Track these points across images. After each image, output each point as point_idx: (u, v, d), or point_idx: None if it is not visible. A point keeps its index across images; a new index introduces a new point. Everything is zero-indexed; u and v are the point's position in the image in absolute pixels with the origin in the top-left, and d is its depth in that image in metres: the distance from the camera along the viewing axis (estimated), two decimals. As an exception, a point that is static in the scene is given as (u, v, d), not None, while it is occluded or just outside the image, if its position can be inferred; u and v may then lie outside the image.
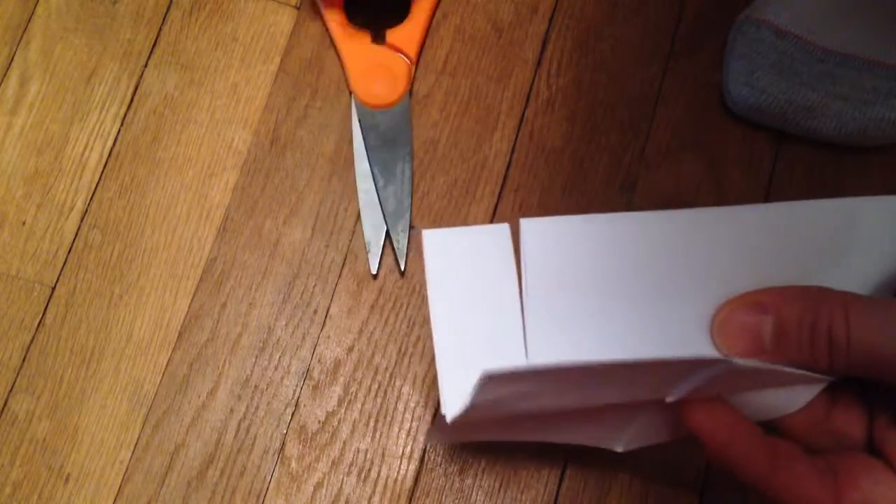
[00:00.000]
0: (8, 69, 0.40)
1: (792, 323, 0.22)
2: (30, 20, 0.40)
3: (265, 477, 0.35)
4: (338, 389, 0.36)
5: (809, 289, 0.22)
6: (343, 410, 0.36)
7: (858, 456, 0.23)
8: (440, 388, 0.24)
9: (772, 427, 0.25)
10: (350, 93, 0.39)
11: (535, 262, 0.24)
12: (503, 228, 0.25)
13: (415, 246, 0.38)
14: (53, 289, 0.38)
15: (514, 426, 0.28)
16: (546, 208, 0.38)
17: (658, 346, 0.24)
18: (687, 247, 0.24)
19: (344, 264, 0.38)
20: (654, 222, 0.24)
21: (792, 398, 0.24)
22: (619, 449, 0.30)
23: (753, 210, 0.24)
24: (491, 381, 0.20)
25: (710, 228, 0.24)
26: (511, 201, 0.38)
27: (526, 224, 0.24)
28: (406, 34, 0.39)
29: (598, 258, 0.24)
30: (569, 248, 0.24)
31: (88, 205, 0.38)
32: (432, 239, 0.25)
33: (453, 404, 0.24)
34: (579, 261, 0.24)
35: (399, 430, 0.36)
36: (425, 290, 0.25)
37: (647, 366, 0.21)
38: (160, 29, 0.40)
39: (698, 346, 0.24)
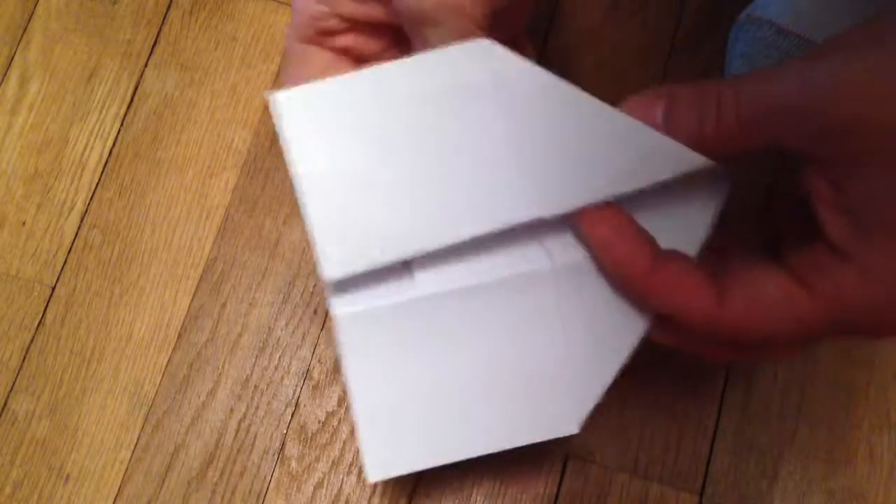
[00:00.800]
0: (8, 69, 0.40)
1: (683, 94, 0.21)
2: (30, 20, 0.40)
3: (265, 477, 0.35)
4: (338, 389, 0.36)
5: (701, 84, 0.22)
6: (343, 410, 0.36)
7: (749, 259, 0.22)
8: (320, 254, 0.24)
9: None
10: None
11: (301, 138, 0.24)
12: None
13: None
14: (53, 289, 0.38)
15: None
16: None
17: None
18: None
19: (344, 264, 0.38)
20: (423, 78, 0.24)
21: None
22: (575, 428, 0.29)
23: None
24: None
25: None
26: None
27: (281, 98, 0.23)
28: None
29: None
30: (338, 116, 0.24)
31: (88, 205, 0.38)
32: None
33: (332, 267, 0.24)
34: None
35: (399, 431, 0.36)
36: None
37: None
38: (160, 29, 0.40)
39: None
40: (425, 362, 0.26)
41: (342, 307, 0.25)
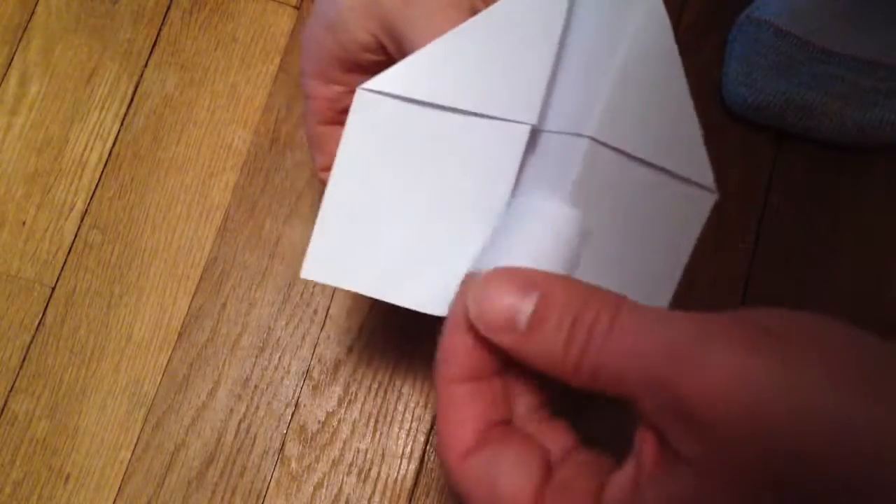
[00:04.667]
0: (8, 69, 0.40)
1: (556, 305, 0.19)
2: (30, 20, 0.40)
3: (265, 477, 0.35)
4: (338, 389, 0.36)
5: (581, 282, 0.19)
6: (343, 410, 0.36)
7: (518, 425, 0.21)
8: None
9: None
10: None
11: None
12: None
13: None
14: (53, 289, 0.38)
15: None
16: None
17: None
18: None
19: (344, 264, 0.38)
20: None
21: None
22: None
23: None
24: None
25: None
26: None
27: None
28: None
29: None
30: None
31: (88, 205, 0.38)
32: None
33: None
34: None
35: (399, 430, 0.36)
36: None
37: None
38: (160, 29, 0.40)
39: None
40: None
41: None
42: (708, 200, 0.28)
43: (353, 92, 0.28)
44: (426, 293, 0.26)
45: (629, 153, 0.26)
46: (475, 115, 0.25)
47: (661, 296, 0.29)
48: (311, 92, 0.27)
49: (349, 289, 0.25)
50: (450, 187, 0.26)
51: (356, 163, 0.25)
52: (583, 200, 0.26)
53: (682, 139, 0.27)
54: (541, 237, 0.24)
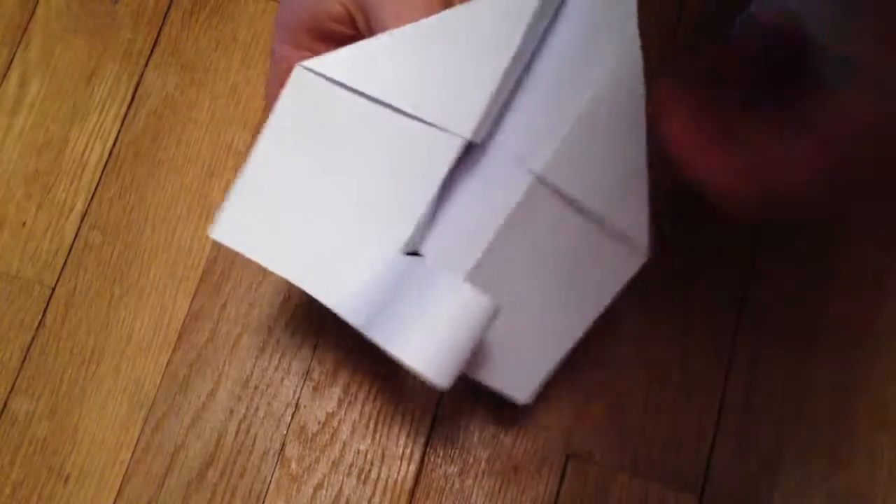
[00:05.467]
0: (8, 69, 0.40)
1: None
2: (30, 20, 0.40)
3: (265, 478, 0.35)
4: (338, 390, 0.36)
5: None
6: (343, 411, 0.36)
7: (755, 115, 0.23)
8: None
9: None
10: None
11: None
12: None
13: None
14: (53, 289, 0.38)
15: None
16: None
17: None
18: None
19: (344, 265, 0.38)
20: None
21: None
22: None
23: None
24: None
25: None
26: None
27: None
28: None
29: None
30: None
31: (88, 205, 0.38)
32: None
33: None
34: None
35: (399, 431, 0.36)
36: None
37: None
38: (160, 29, 0.40)
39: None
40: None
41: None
42: (637, 261, 0.27)
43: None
44: (325, 282, 0.25)
45: (571, 196, 0.26)
46: (410, 116, 0.24)
47: (561, 346, 0.28)
48: (277, 55, 0.27)
49: (253, 259, 0.25)
50: (371, 184, 0.25)
51: (282, 137, 0.25)
52: (513, 238, 0.26)
53: (628, 193, 0.26)
54: (450, 319, 0.23)
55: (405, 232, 0.25)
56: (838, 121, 0.20)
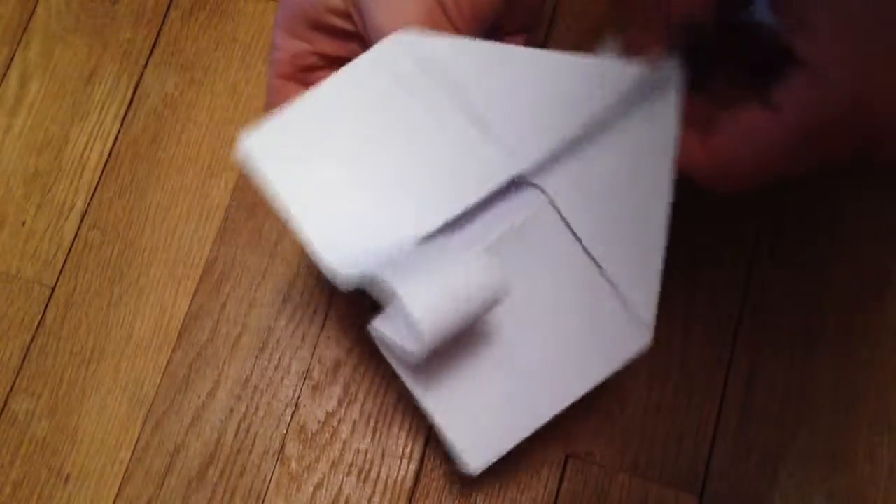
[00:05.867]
0: (8, 69, 0.40)
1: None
2: (30, 20, 0.40)
3: (265, 477, 0.35)
4: (338, 389, 0.36)
5: None
6: (343, 410, 0.36)
7: (736, 99, 0.25)
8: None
9: None
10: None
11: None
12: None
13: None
14: (53, 289, 0.38)
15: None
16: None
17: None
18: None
19: (344, 264, 0.38)
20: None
21: None
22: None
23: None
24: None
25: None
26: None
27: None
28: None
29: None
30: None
31: (88, 205, 0.39)
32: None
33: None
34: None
35: (399, 430, 0.36)
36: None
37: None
38: (160, 29, 0.40)
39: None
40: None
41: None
42: (640, 340, 0.26)
43: (316, 52, 0.27)
44: (330, 237, 0.24)
45: (580, 238, 0.26)
46: (480, 124, 0.25)
47: (538, 413, 0.27)
48: (277, 43, 0.28)
49: (273, 189, 0.24)
50: (415, 169, 0.25)
51: (352, 88, 0.24)
52: (511, 256, 0.26)
53: (644, 268, 0.26)
54: (454, 275, 0.23)
55: (430, 225, 0.25)
56: (797, 102, 0.22)
